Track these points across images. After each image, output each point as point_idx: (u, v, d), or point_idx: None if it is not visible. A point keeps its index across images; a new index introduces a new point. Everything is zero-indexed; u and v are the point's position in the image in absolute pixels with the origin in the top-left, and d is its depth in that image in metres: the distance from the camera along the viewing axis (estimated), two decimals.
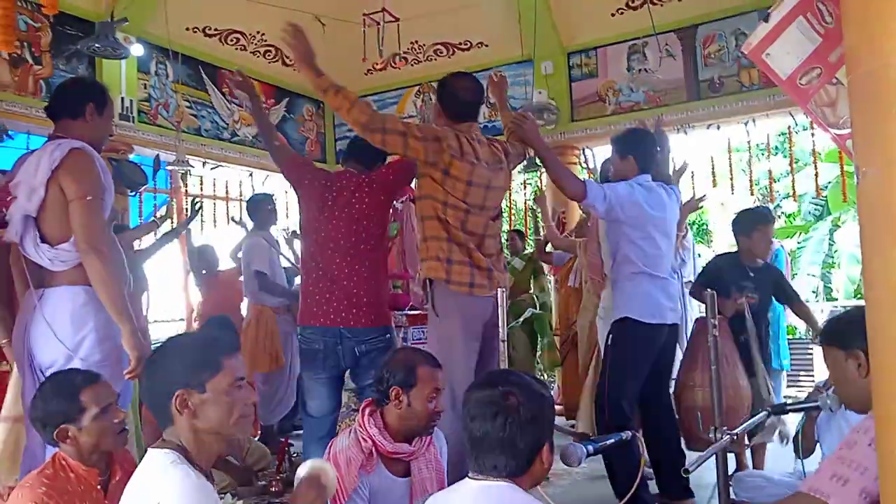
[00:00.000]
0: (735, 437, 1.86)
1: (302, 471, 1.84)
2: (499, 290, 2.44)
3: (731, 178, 6.12)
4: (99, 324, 2.42)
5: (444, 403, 2.33)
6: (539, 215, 5.47)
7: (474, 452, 1.54)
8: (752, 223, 3.76)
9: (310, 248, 3.24)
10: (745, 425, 2.04)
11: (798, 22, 1.80)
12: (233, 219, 5.98)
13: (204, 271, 5.49)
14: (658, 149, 3.53)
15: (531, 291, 6.05)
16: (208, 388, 1.56)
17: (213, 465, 1.68)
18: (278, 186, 7.28)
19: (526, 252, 6.27)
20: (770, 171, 6.16)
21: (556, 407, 5.95)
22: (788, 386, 6.62)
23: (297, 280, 5.73)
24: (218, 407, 1.57)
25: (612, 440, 1.86)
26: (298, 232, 3.76)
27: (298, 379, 3.44)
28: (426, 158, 2.83)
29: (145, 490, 1.54)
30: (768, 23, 1.84)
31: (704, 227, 13.40)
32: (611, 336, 3.36)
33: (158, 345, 1.74)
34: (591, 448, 1.79)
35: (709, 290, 2.03)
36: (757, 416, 2.15)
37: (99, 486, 1.97)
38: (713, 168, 6.18)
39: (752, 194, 6.22)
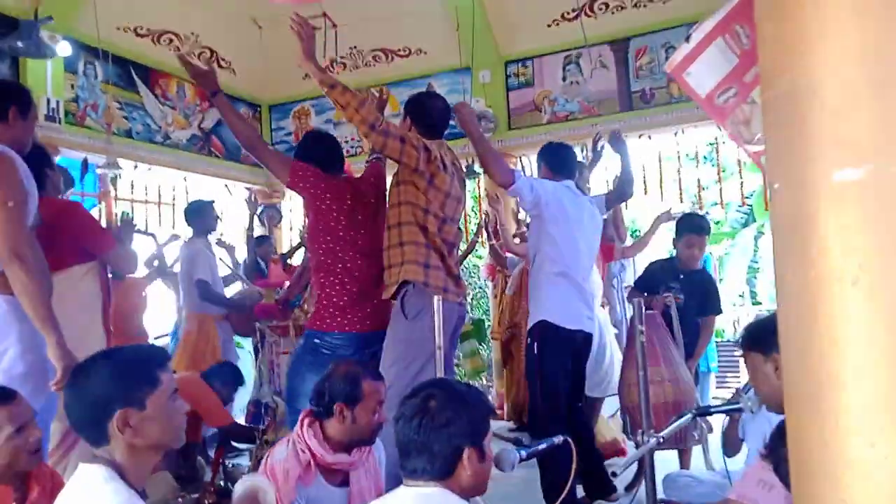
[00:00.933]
0: (661, 440, 1.92)
1: (240, 487, 1.82)
2: (435, 298, 2.46)
3: (661, 187, 6.31)
4: (22, 334, 2.34)
5: (384, 413, 2.31)
6: (490, 218, 5.56)
7: (401, 457, 1.57)
8: (681, 230, 3.98)
9: (334, 255, 3.13)
10: (670, 428, 2.10)
11: (717, 43, 1.89)
12: (219, 240, 5.68)
13: (110, 275, 5.27)
14: (582, 160, 3.68)
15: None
16: (148, 404, 1.53)
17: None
18: (213, 191, 7.15)
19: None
20: (699, 180, 6.40)
21: (500, 411, 6.11)
22: (717, 388, 6.86)
23: (236, 287, 5.66)
24: (158, 422, 1.55)
25: (545, 445, 1.89)
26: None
27: (290, 380, 3.30)
28: (416, 166, 2.90)
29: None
30: (689, 43, 1.93)
31: (636, 233, 13.80)
32: (530, 340, 3.39)
33: (81, 362, 1.68)
34: (523, 453, 1.82)
35: (636, 295, 2.09)
36: (682, 419, 2.22)
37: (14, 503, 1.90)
38: (644, 177, 6.35)
39: (681, 202, 6.43)
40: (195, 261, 4.97)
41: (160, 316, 6.21)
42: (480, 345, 6.17)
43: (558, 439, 1.93)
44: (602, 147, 4.29)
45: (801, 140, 1.20)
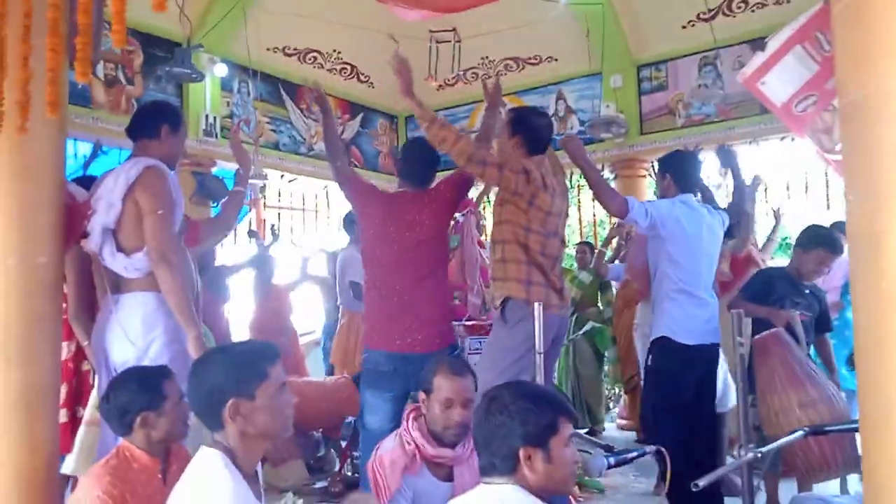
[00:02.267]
0: (760, 455, 1.86)
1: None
2: (535, 305, 2.51)
3: (807, 192, 5.95)
4: (167, 328, 2.62)
5: (461, 415, 2.34)
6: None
7: (478, 453, 1.64)
8: (815, 242, 3.53)
9: (372, 271, 3.27)
10: (776, 444, 2.03)
11: (795, 51, 1.81)
12: (272, 229, 6.21)
13: (263, 278, 5.73)
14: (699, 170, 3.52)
15: (598, 305, 6.04)
16: (257, 395, 1.69)
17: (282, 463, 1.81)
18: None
19: (593, 267, 6.27)
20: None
21: (623, 421, 6.00)
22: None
23: None
24: (266, 413, 1.70)
25: (635, 454, 1.89)
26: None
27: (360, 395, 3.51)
28: (516, 189, 2.99)
29: (193, 487, 1.70)
30: (764, 52, 1.85)
31: (787, 242, 12.92)
32: (649, 356, 3.35)
33: (201, 355, 1.89)
34: (612, 460, 1.84)
35: (742, 305, 2.04)
36: (793, 436, 2.13)
37: (160, 475, 2.15)
38: (788, 182, 6.02)
39: (828, 209, 6.01)
40: (348, 265, 5.41)
41: (307, 316, 6.72)
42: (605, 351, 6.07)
43: (650, 449, 1.92)
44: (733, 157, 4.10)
45: (875, 150, 1.16)
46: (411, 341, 3.12)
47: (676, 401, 3.23)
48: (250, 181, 6.18)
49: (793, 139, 5.74)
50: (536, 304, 2.43)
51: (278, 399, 1.73)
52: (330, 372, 5.81)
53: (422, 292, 3.15)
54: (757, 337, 3.04)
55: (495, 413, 1.59)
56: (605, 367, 6.04)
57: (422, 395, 2.39)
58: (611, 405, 6.94)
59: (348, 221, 5.68)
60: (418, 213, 3.20)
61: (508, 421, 1.57)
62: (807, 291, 3.56)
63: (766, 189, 5.44)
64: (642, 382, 3.71)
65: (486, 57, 6.97)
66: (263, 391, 1.70)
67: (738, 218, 3.81)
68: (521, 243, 3.03)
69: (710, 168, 5.03)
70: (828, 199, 6.01)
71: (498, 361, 2.94)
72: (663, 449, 1.93)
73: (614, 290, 6.02)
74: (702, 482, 1.71)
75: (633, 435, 5.57)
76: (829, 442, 2.83)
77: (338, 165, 3.46)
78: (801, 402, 2.93)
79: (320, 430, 4.73)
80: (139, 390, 2.13)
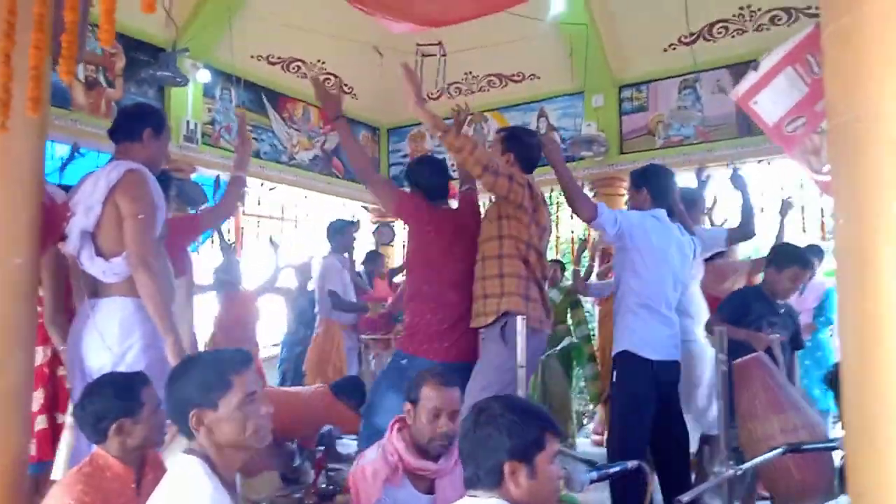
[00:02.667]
0: (739, 472, 1.88)
1: None
2: (518, 318, 2.51)
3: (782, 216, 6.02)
4: (145, 333, 2.58)
5: (448, 426, 2.35)
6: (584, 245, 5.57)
7: (462, 466, 1.64)
8: (789, 261, 3.57)
9: (430, 284, 3.27)
10: (756, 460, 2.05)
11: (786, 72, 1.85)
12: (272, 241, 6.19)
13: (227, 284, 5.67)
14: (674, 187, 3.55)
15: (568, 323, 6.05)
16: (220, 405, 1.66)
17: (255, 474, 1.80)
18: (333, 209, 7.53)
19: (564, 284, 6.30)
20: (822, 209, 6.05)
21: (597, 437, 6.02)
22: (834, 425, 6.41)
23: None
24: (231, 423, 1.67)
25: (617, 468, 1.90)
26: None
27: (372, 394, 3.47)
28: (521, 202, 3.03)
29: (171, 493, 1.67)
30: (757, 71, 1.89)
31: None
32: (613, 371, 3.35)
33: (176, 365, 1.87)
34: (594, 475, 1.84)
35: (719, 325, 2.05)
36: (772, 453, 2.15)
37: (133, 485, 2.10)
38: (762, 206, 6.08)
39: (804, 231, 6.10)
40: (327, 274, 5.47)
41: (271, 326, 6.66)
42: (586, 367, 6.08)
43: (632, 464, 1.93)
44: (707, 178, 4.18)
45: (862, 171, 1.18)
46: (462, 352, 3.18)
47: (641, 414, 3.24)
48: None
49: (769, 163, 5.84)
50: (520, 319, 2.43)
51: (244, 409, 1.69)
52: (282, 384, 5.78)
53: (468, 304, 3.20)
54: (738, 361, 3.03)
55: (483, 425, 1.59)
56: (582, 383, 6.05)
57: (408, 406, 2.37)
58: (584, 421, 6.95)
59: (333, 230, 5.70)
60: (476, 228, 3.27)
61: (496, 434, 1.57)
62: (782, 311, 3.59)
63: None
64: None
65: (470, 72, 7.01)
66: (227, 402, 1.67)
67: (744, 239, 3.89)
68: (523, 258, 3.05)
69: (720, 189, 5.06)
70: (803, 222, 6.10)
71: (493, 381, 2.93)
72: (644, 465, 1.94)
73: (586, 308, 6.06)
74: (685, 498, 1.71)
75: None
76: (808, 467, 2.82)
77: (380, 177, 3.50)
78: (784, 428, 2.91)
79: (295, 440, 4.68)
80: (115, 397, 2.09)
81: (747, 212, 3.84)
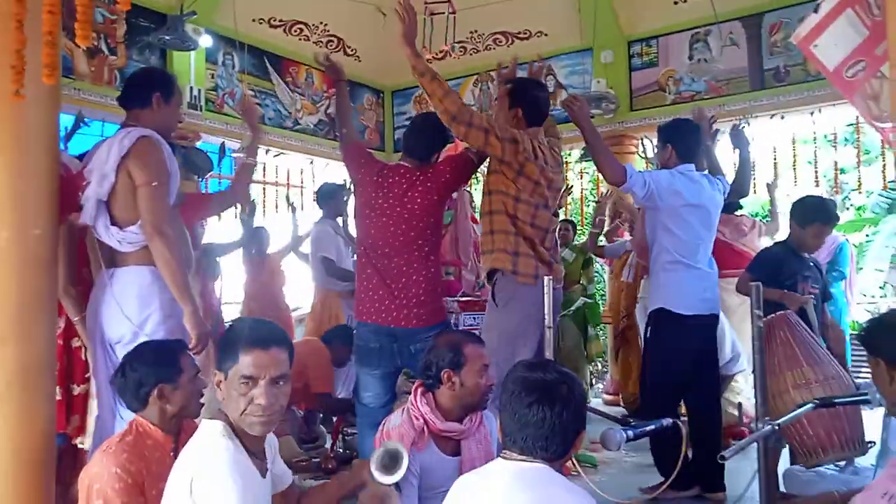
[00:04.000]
0: (777, 427, 1.86)
1: (380, 449, 1.94)
2: (545, 279, 2.48)
3: (795, 170, 5.97)
4: (163, 302, 2.56)
5: (493, 376, 2.40)
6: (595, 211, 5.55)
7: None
8: (810, 216, 3.51)
9: (363, 244, 3.24)
10: (789, 416, 2.03)
11: (847, 14, 1.78)
12: (290, 203, 6.14)
13: (254, 251, 5.65)
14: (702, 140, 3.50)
15: (581, 282, 6.04)
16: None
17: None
18: (339, 174, 7.45)
19: (576, 243, 6.27)
20: (836, 163, 6.00)
21: (609, 397, 6.07)
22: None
23: None
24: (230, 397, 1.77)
25: (652, 426, 1.88)
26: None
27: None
28: (502, 157, 2.96)
29: (186, 461, 1.67)
30: (818, 13, 1.83)
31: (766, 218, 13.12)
32: (648, 328, 3.37)
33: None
34: (630, 433, 1.82)
35: (757, 282, 2.02)
36: (803, 408, 2.13)
37: (172, 453, 2.10)
38: (775, 159, 6.03)
39: (816, 186, 6.04)
40: (321, 240, 5.29)
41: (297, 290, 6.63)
42: (596, 328, 6.10)
43: (667, 421, 1.92)
44: (717, 132, 4.11)
45: None
46: (398, 315, 3.09)
47: (676, 371, 3.26)
48: (234, 155, 6.14)
49: (782, 116, 5.75)
50: (546, 279, 2.39)
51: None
52: None
53: (411, 268, 3.11)
54: (764, 319, 3.01)
55: (573, 399, 1.60)
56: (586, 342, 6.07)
57: (448, 374, 2.35)
58: (593, 381, 6.99)
59: (323, 195, 5.55)
60: (410, 187, 3.13)
61: (581, 407, 1.62)
62: (811, 264, 3.57)
63: (754, 165, 5.42)
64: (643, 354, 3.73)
65: (476, 31, 6.87)
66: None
67: (738, 196, 3.86)
68: (510, 213, 3.00)
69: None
70: (816, 177, 6.04)
71: (493, 345, 2.91)
72: (679, 423, 1.93)
73: (597, 266, 6.06)
74: (727, 454, 1.70)
75: (620, 410, 5.61)
76: (823, 424, 2.80)
77: (344, 132, 3.45)
78: (796, 384, 2.90)
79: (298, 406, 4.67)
80: (156, 363, 2.12)
81: (744, 169, 3.82)
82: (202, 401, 2.23)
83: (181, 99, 2.89)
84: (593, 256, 5.96)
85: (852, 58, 1.84)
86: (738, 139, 3.79)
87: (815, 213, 3.53)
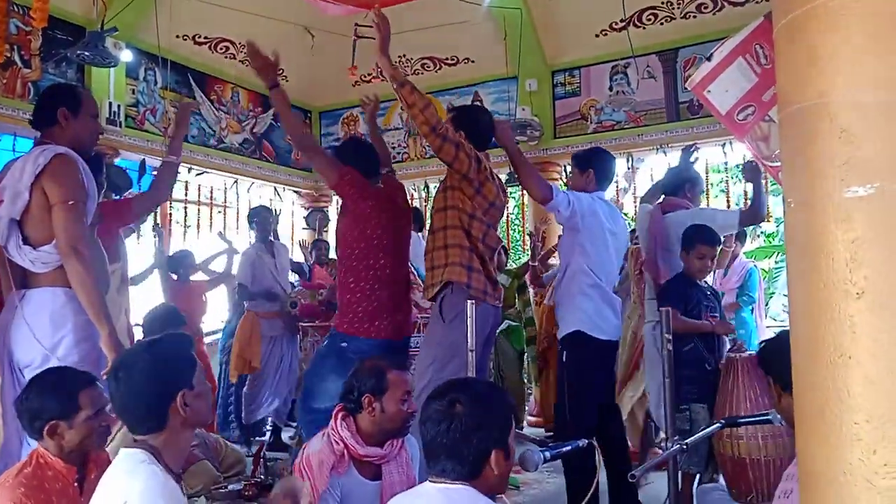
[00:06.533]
0: (685, 447, 1.94)
1: (278, 487, 1.92)
2: (469, 303, 2.52)
3: (708, 199, 6.26)
4: (78, 325, 2.46)
5: (412, 404, 2.39)
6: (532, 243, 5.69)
7: (427, 456, 1.61)
8: (693, 240, 3.57)
9: (367, 260, 3.21)
10: (697, 436, 2.13)
11: (738, 62, 1.92)
12: (220, 234, 6.05)
13: (175, 276, 5.51)
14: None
15: (516, 306, 6.13)
16: (195, 387, 1.73)
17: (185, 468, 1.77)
18: (264, 195, 7.37)
19: (510, 268, 6.36)
20: (745, 192, 6.31)
21: (533, 418, 6.15)
22: None
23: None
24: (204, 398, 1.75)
25: (569, 447, 1.93)
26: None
27: (308, 379, 3.39)
28: (466, 173, 3.01)
29: (114, 488, 1.62)
30: (711, 62, 1.96)
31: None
32: (564, 352, 3.40)
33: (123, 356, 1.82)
34: (547, 454, 1.87)
35: (665, 308, 2.11)
36: (710, 428, 2.24)
37: (75, 484, 2.02)
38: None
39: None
40: (241, 266, 5.36)
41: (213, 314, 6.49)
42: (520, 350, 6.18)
43: (583, 442, 1.97)
44: (694, 160, 4.27)
45: (813, 158, 1.23)
46: (393, 329, 3.21)
47: (593, 393, 3.33)
48: (154, 173, 5.98)
49: (697, 148, 6.01)
50: (470, 304, 2.44)
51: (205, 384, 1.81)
52: (225, 372, 5.63)
53: (406, 280, 3.30)
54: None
55: (465, 417, 1.56)
56: (526, 364, 6.15)
57: (369, 399, 2.33)
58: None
59: (250, 218, 5.53)
60: (405, 203, 3.38)
61: (483, 424, 1.57)
62: (708, 293, 3.68)
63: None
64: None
65: (404, 55, 6.95)
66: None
67: (755, 221, 4.03)
68: (465, 229, 3.06)
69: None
70: (728, 204, 6.35)
71: (438, 358, 2.95)
72: (594, 443, 1.99)
73: (531, 292, 6.16)
74: (637, 472, 1.77)
75: (543, 431, 5.69)
76: (765, 472, 2.94)
77: (318, 149, 3.56)
78: (738, 434, 2.97)
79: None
80: (52, 398, 2.00)
81: (758, 199, 3.86)
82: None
83: (94, 109, 2.78)
84: (525, 282, 6.05)
85: (742, 102, 1.98)
86: (753, 174, 3.80)
87: (696, 237, 3.60)
